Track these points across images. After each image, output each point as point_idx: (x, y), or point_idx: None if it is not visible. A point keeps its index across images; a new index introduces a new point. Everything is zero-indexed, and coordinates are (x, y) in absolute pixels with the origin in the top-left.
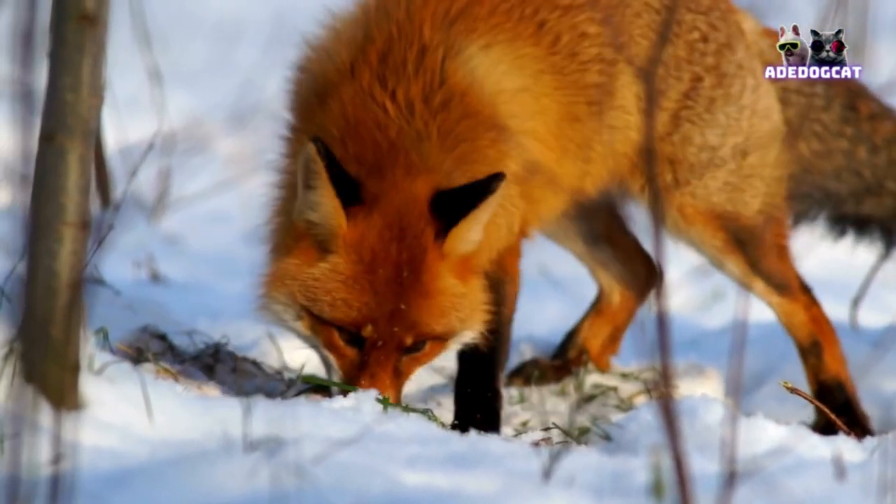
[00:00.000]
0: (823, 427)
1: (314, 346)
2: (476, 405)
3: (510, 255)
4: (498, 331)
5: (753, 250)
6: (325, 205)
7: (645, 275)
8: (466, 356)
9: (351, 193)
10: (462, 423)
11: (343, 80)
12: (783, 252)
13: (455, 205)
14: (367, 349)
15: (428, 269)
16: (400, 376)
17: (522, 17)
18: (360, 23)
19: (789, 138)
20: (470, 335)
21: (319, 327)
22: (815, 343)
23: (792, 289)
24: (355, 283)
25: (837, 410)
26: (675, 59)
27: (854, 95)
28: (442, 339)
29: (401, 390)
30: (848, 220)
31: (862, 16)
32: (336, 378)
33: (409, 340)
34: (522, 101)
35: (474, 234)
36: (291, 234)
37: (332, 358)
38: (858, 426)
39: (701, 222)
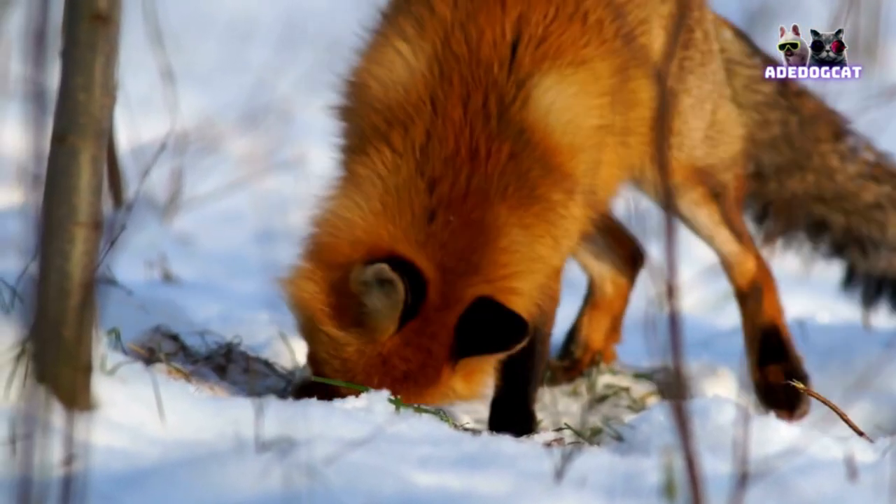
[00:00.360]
0: (766, 392)
1: None
2: (510, 429)
3: (554, 276)
4: (535, 349)
5: (724, 201)
6: (382, 323)
7: (633, 258)
8: (504, 376)
9: (414, 303)
10: None
11: (425, 124)
12: (741, 203)
13: (479, 333)
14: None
15: (435, 382)
16: None
17: (570, 18)
18: (426, 50)
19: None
20: None
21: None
22: (758, 288)
23: (745, 238)
24: (351, 370)
25: (772, 354)
26: (671, 17)
27: (800, 91)
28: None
29: None
30: (771, 210)
31: (874, 16)
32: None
33: None
34: (596, 134)
35: (490, 361)
36: (340, 276)
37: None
38: (795, 372)
39: (682, 175)
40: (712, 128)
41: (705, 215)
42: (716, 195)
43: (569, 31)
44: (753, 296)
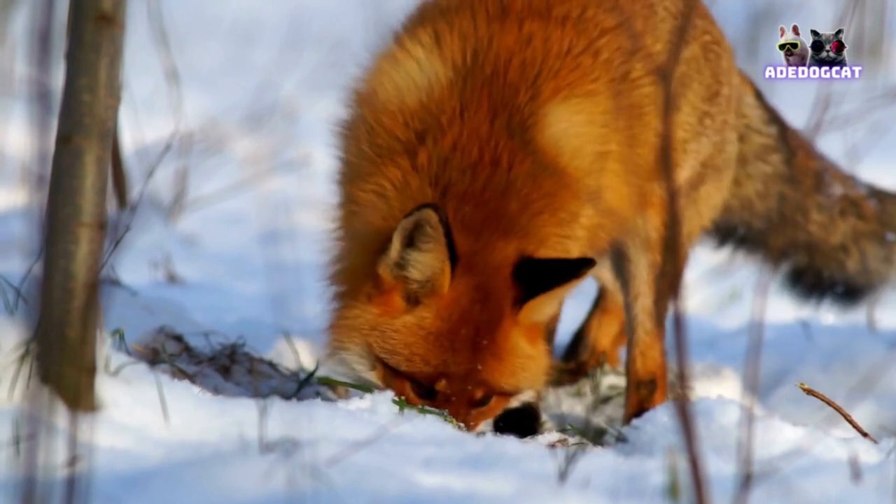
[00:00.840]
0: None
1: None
2: (513, 422)
3: None
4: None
5: (669, 264)
6: (435, 268)
7: None
8: None
9: (453, 252)
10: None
11: (454, 136)
12: (675, 288)
13: (538, 277)
14: (439, 402)
15: (502, 332)
16: (468, 428)
17: (583, 52)
18: (446, 58)
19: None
20: (530, 394)
21: (393, 379)
22: (653, 381)
23: (662, 327)
24: (437, 340)
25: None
26: (694, 60)
27: (797, 146)
28: (508, 395)
29: None
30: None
31: (879, 17)
32: None
33: (478, 394)
34: (599, 159)
35: (549, 308)
36: (374, 283)
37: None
38: None
39: (655, 210)
40: (694, 193)
41: (646, 265)
42: (668, 247)
43: (580, 64)
44: (648, 387)
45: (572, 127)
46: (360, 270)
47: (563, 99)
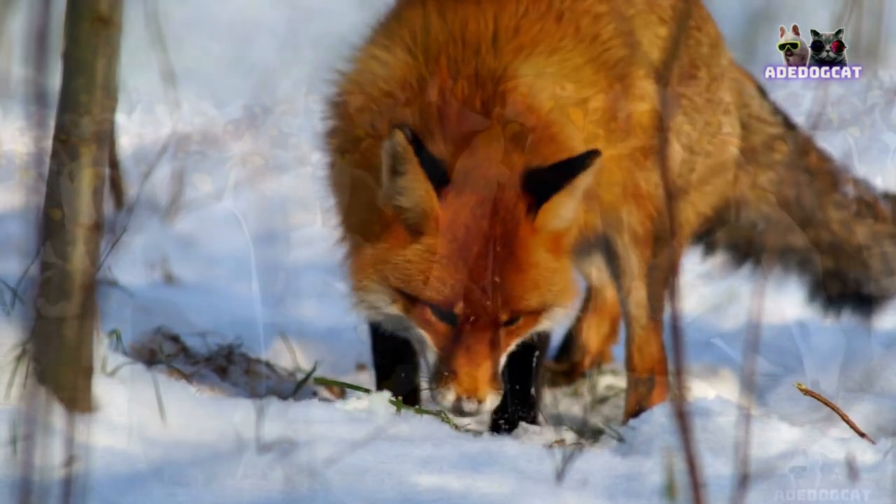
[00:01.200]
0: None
1: (406, 330)
2: (515, 410)
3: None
4: (544, 335)
5: (661, 256)
6: (417, 189)
7: None
8: (510, 361)
9: (439, 174)
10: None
11: (416, 98)
12: (673, 279)
13: (548, 181)
14: (461, 325)
15: (520, 242)
16: (497, 349)
17: (543, 15)
18: (400, 45)
19: (751, 164)
20: (562, 312)
21: (413, 308)
22: (652, 379)
23: (659, 321)
24: (449, 261)
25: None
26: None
27: (808, 146)
28: (536, 313)
29: (498, 363)
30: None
31: (877, 17)
32: (431, 356)
33: (503, 317)
34: (577, 110)
35: (567, 210)
36: (377, 222)
37: (426, 336)
38: None
39: (637, 203)
40: (681, 181)
41: (637, 259)
42: (657, 240)
43: (541, 25)
44: (647, 384)
45: (544, 78)
46: (360, 222)
47: (529, 55)
